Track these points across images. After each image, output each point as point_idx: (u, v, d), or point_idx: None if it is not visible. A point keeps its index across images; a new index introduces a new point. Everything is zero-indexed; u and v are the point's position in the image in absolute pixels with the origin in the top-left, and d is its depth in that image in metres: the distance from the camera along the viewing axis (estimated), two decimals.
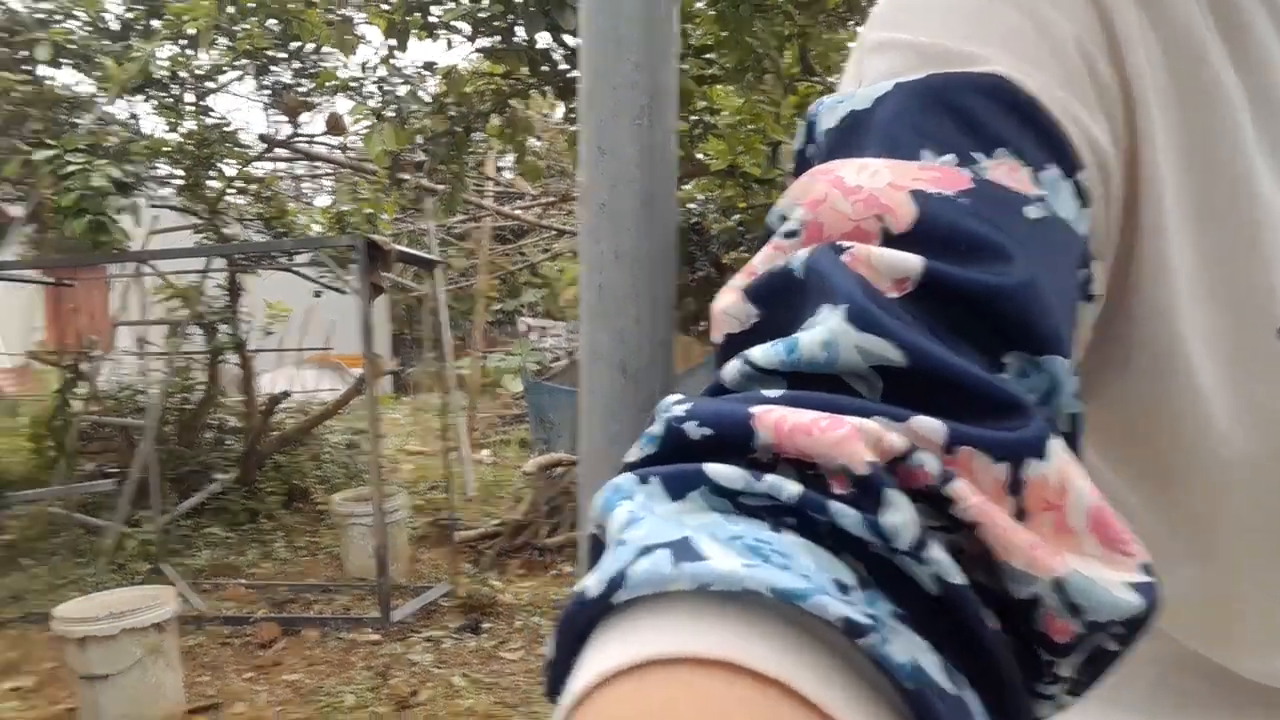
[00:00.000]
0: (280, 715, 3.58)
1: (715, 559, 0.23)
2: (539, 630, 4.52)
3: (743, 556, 0.24)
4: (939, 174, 0.34)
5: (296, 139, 6.78)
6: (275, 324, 7.37)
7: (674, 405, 0.30)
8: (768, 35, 3.78)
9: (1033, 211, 0.34)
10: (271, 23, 5.58)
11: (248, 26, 5.62)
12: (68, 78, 6.53)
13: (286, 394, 7.04)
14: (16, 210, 6.48)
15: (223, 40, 5.76)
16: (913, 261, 0.31)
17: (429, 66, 5.01)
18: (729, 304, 0.35)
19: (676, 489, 0.27)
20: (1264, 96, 0.42)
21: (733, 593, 0.23)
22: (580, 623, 0.25)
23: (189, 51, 6.02)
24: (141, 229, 5.93)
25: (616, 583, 0.24)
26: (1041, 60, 0.38)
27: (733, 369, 0.31)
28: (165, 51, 5.91)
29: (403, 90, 4.87)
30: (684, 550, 0.24)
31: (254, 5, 5.44)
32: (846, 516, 0.25)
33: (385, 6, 4.13)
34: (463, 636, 4.46)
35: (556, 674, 0.26)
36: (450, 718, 3.51)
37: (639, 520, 0.26)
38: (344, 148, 7.89)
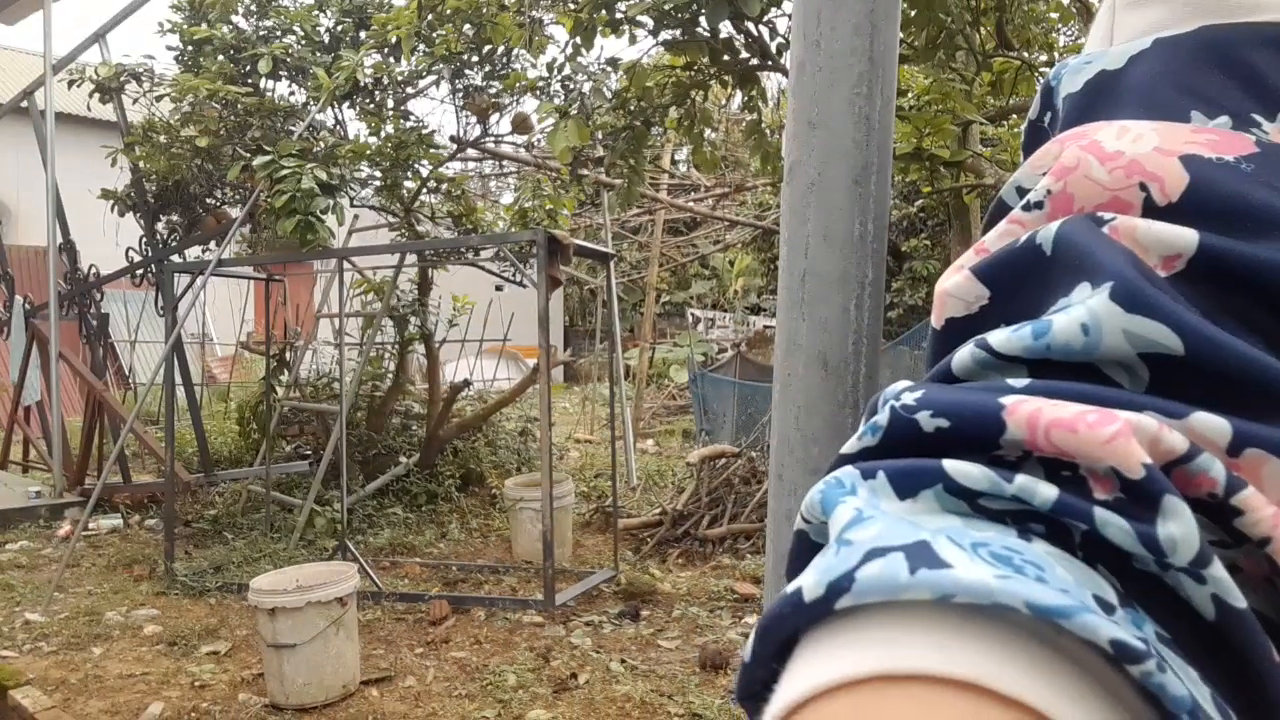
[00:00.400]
0: (446, 691, 3.72)
1: (960, 567, 0.20)
2: (696, 620, 4.49)
3: (991, 565, 0.20)
4: (1217, 137, 0.28)
5: (485, 139, 7.07)
6: (459, 316, 7.73)
7: (903, 392, 0.26)
8: (961, 9, 3.55)
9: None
10: (466, 28, 5.85)
11: (444, 32, 5.91)
12: (283, 88, 7.11)
13: (468, 383, 7.37)
14: (236, 212, 7.14)
15: (421, 47, 6.08)
16: (1187, 235, 0.26)
17: (612, 63, 5.09)
18: (955, 284, 0.30)
19: (906, 486, 0.24)
20: None
21: (980, 606, 0.20)
22: (790, 626, 0.22)
23: (391, 59, 6.41)
24: (344, 227, 6.37)
25: (840, 586, 0.21)
26: None
27: (965, 355, 0.27)
28: (370, 60, 6.31)
29: (587, 87, 4.97)
30: (923, 555, 0.21)
31: (451, 11, 5.71)
32: (1113, 525, 0.22)
33: (572, 5, 4.22)
34: (622, 623, 4.50)
35: (753, 678, 0.24)
36: (607, 702, 3.53)
37: (867, 519, 0.23)
38: (530, 146, 8.16)
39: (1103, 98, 0.33)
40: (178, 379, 6.85)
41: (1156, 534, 0.21)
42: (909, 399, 0.26)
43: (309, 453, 7.59)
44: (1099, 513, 0.22)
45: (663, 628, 4.44)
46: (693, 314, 19.44)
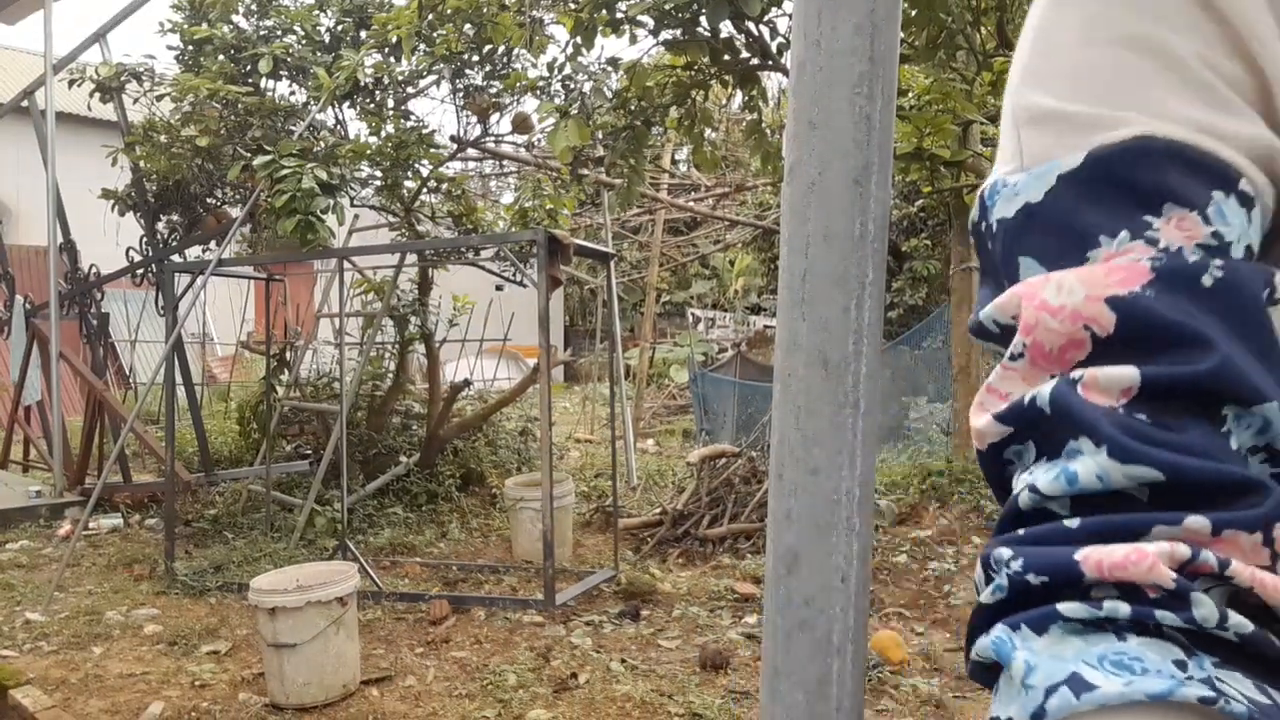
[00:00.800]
0: (447, 690, 3.72)
1: (1102, 685, 0.34)
2: (696, 620, 4.49)
3: (1117, 674, 0.34)
4: (1123, 273, 0.40)
5: (485, 139, 7.07)
6: (459, 315, 7.73)
7: (1009, 560, 0.39)
8: (962, 9, 3.55)
9: (1208, 279, 0.39)
10: (467, 28, 5.84)
11: (444, 32, 5.91)
12: (284, 88, 7.10)
13: (468, 383, 7.36)
14: (236, 212, 7.14)
15: (421, 46, 6.08)
16: (1129, 373, 0.39)
17: (613, 63, 5.09)
18: (985, 425, 0.43)
19: (1039, 627, 0.37)
20: None
21: (1125, 704, 0.33)
22: None
23: (391, 59, 6.41)
24: (344, 227, 6.37)
25: (1039, 716, 0.35)
26: (1174, 96, 0.42)
27: (1025, 498, 0.40)
28: (370, 60, 6.31)
29: (587, 87, 4.97)
30: (1078, 683, 0.34)
31: (451, 11, 5.71)
32: (1169, 618, 0.35)
33: (573, 5, 4.22)
34: (622, 623, 4.49)
35: None
36: (607, 702, 3.53)
37: (1035, 669, 0.36)
38: (530, 146, 8.16)
39: (1032, 231, 0.43)
40: (178, 379, 6.85)
41: (1194, 616, 0.35)
42: (1015, 566, 0.39)
43: (309, 452, 7.58)
44: (1159, 613, 0.35)
45: (663, 627, 4.44)
46: (693, 314, 19.44)
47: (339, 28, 7.01)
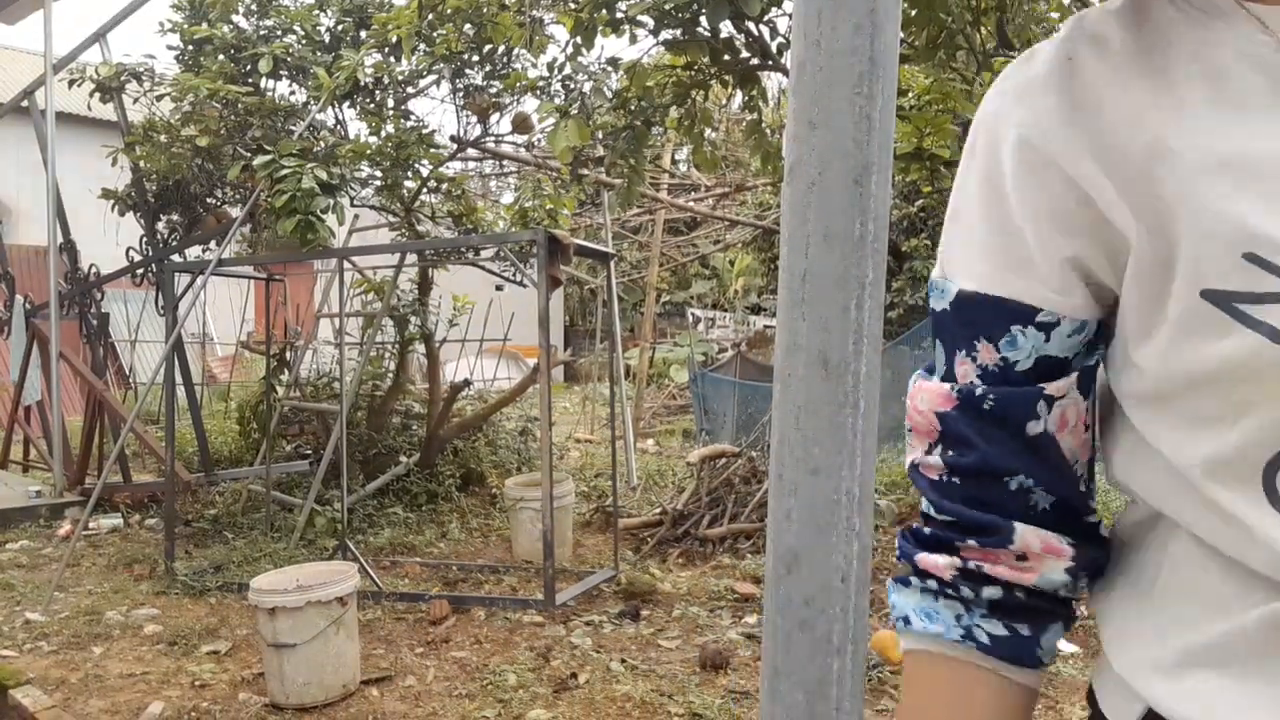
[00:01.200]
0: (447, 690, 3.71)
1: (914, 622, 0.70)
2: (696, 620, 4.49)
3: (923, 619, 0.70)
4: (944, 398, 0.68)
5: (485, 139, 7.06)
6: (459, 315, 7.72)
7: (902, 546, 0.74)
8: (962, 9, 3.55)
9: (986, 405, 0.66)
10: (467, 27, 5.84)
11: (444, 32, 5.90)
12: (284, 88, 7.10)
13: (468, 383, 7.36)
14: (236, 212, 7.14)
15: (421, 46, 6.07)
16: (937, 459, 0.69)
17: (613, 62, 5.09)
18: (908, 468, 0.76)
19: (901, 586, 0.73)
20: (1218, 100, 0.57)
21: (922, 634, 0.71)
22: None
23: (391, 59, 6.41)
24: (344, 227, 6.36)
25: (897, 627, 0.72)
26: (993, 253, 0.66)
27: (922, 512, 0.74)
28: (370, 60, 6.31)
29: (587, 87, 4.96)
30: (906, 619, 0.71)
31: (451, 11, 5.70)
32: (953, 592, 0.69)
33: (573, 5, 4.21)
34: (622, 623, 4.49)
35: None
36: (607, 702, 3.53)
37: (895, 606, 0.73)
38: (530, 146, 8.16)
39: (946, 325, 0.69)
40: (178, 378, 6.85)
41: (963, 592, 0.69)
42: (904, 550, 0.73)
43: (309, 452, 7.58)
44: (948, 589, 0.70)
45: (663, 627, 4.44)
46: (693, 314, 19.44)
47: (339, 28, 7.00)
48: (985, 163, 0.65)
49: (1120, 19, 0.62)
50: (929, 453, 0.69)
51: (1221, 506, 0.56)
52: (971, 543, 0.66)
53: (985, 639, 0.66)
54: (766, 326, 18.10)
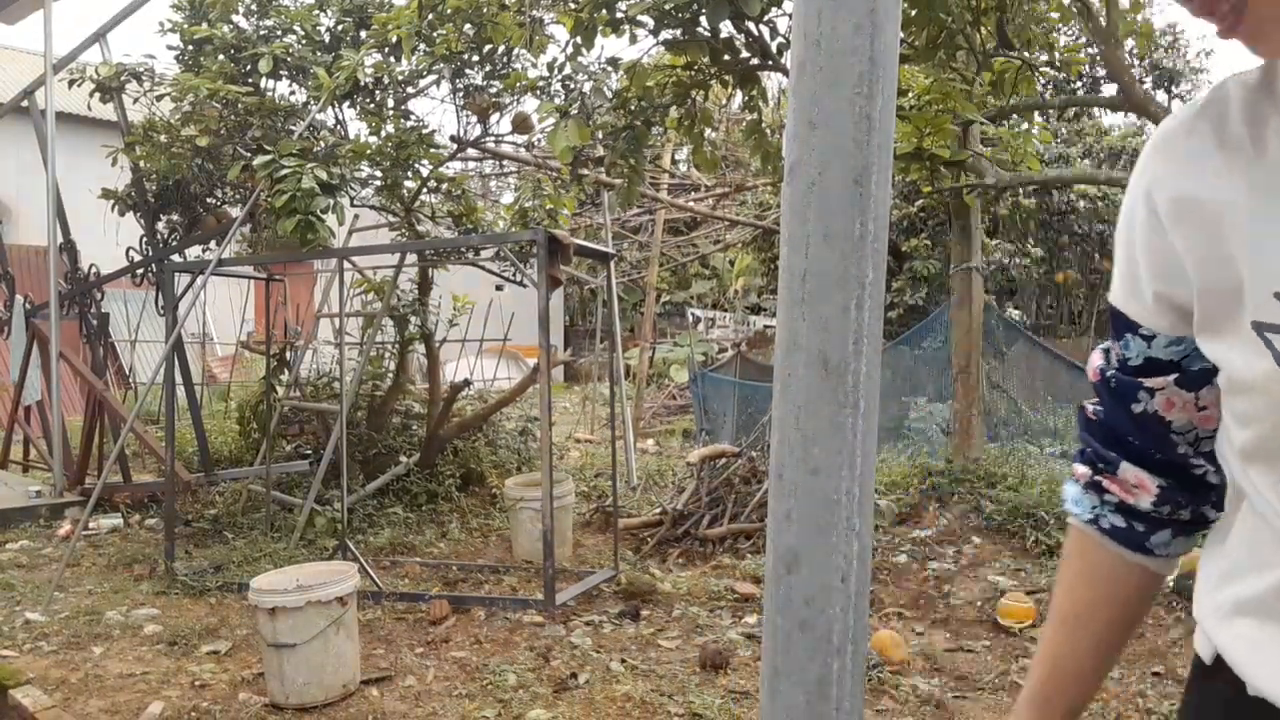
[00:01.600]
0: (446, 690, 3.71)
1: (1069, 504, 1.02)
2: (696, 620, 4.49)
3: (1074, 504, 1.01)
4: (1096, 372, 0.94)
5: (485, 139, 7.06)
6: (459, 315, 7.72)
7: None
8: (961, 9, 3.55)
9: (1111, 382, 0.92)
10: (467, 27, 5.84)
11: (444, 32, 5.90)
12: (284, 88, 7.09)
13: (468, 382, 7.36)
14: (236, 211, 7.13)
15: (421, 46, 6.07)
16: (1092, 406, 0.97)
17: (613, 63, 5.09)
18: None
19: (1073, 480, 1.02)
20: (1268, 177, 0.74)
21: (1073, 516, 1.03)
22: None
23: (391, 59, 6.40)
24: (344, 227, 6.36)
25: (1064, 508, 1.05)
26: (1123, 278, 0.88)
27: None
28: (370, 60, 6.31)
29: (587, 87, 4.96)
30: (1065, 502, 1.03)
31: (451, 11, 5.70)
32: (1092, 489, 1.00)
33: (573, 5, 4.22)
34: (622, 623, 4.49)
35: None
36: (607, 702, 3.52)
37: (1065, 491, 1.04)
38: (530, 146, 8.16)
39: (1110, 320, 0.96)
40: (178, 378, 6.84)
41: (1097, 489, 0.99)
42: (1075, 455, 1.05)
43: (309, 452, 7.58)
44: (1088, 487, 1.00)
45: (663, 627, 4.44)
46: (693, 314, 19.46)
47: (339, 28, 7.00)
48: (1129, 202, 0.85)
49: (1236, 105, 0.79)
50: (1090, 400, 0.97)
51: (1256, 486, 0.76)
52: (1100, 465, 0.95)
53: (1107, 525, 0.95)
54: (766, 326, 18.12)
